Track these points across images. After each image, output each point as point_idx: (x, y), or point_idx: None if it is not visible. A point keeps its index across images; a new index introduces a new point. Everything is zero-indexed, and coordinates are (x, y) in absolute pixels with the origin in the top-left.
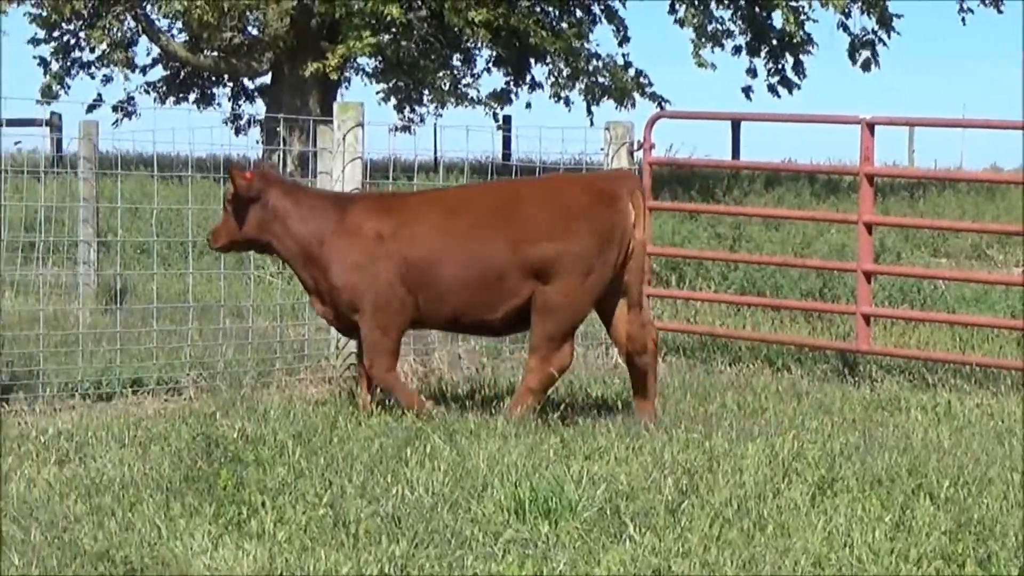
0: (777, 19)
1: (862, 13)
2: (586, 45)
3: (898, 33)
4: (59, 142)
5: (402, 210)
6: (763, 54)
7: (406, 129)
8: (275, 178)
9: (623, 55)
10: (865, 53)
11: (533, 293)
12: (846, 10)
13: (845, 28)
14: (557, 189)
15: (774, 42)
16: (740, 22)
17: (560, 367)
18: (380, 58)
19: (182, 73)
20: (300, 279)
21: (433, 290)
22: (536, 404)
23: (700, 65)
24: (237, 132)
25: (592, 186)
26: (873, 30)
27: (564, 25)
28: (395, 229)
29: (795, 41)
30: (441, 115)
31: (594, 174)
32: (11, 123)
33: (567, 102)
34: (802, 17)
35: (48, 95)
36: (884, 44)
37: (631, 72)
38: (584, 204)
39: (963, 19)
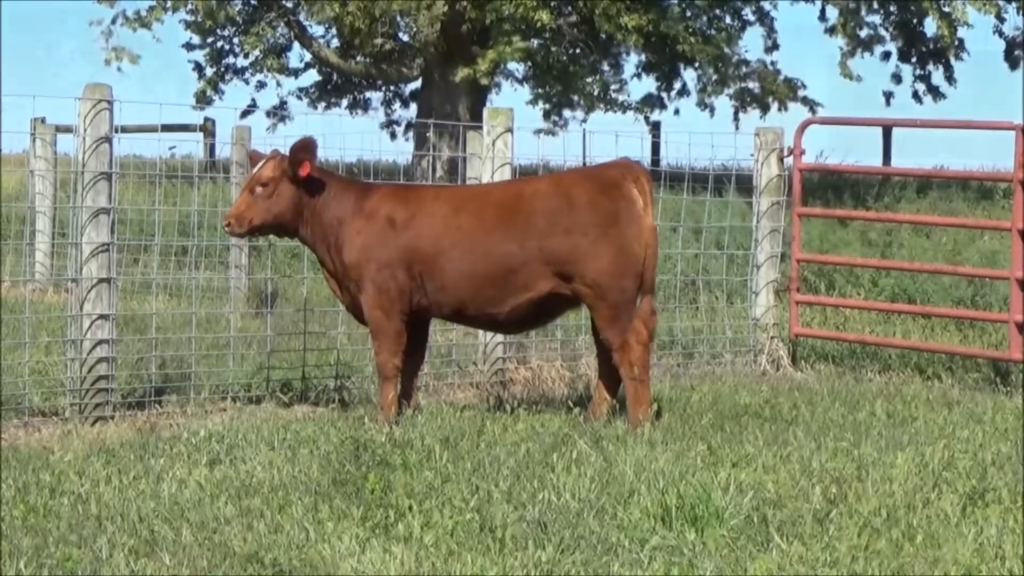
0: (929, 26)
1: (1018, 13)
2: (735, 51)
3: None
4: (213, 147)
5: (416, 201)
6: (912, 60)
7: (551, 133)
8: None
9: (771, 62)
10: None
11: (555, 290)
12: (1000, 14)
13: (1000, 33)
14: (561, 184)
15: (923, 49)
16: (891, 28)
17: (642, 341)
18: (530, 63)
19: (334, 78)
20: (321, 262)
21: (437, 280)
22: (647, 390)
23: (846, 76)
24: (393, 137)
25: (592, 176)
26: None
27: (713, 31)
28: (406, 218)
29: (945, 47)
30: (586, 120)
31: (595, 165)
32: (166, 128)
33: (711, 109)
34: (955, 21)
35: (202, 100)
36: None
37: (780, 79)
38: (587, 195)
39: None
